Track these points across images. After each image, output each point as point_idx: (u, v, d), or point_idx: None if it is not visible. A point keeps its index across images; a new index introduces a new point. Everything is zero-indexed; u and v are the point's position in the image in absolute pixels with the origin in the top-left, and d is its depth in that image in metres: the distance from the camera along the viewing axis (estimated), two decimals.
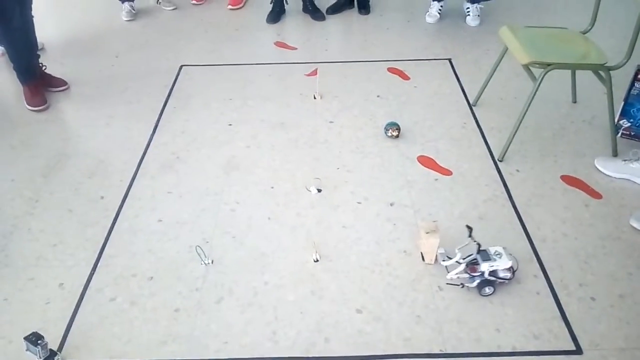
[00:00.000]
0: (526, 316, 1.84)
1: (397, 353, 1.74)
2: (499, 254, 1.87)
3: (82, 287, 1.98)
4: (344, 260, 2.05)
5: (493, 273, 1.87)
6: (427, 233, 1.95)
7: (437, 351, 1.74)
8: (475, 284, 1.89)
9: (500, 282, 1.89)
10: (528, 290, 1.92)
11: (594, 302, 1.89)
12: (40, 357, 1.68)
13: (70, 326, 1.84)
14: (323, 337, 1.79)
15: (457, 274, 1.91)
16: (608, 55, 2.34)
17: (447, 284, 1.94)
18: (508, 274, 1.88)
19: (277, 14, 3.85)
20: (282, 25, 3.83)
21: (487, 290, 1.88)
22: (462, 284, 1.92)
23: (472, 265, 1.88)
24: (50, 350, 1.72)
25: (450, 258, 1.94)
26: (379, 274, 2.00)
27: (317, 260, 2.05)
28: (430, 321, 1.83)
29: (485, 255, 1.87)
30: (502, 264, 1.86)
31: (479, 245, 1.87)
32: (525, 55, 2.32)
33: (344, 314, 1.86)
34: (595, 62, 2.32)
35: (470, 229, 1.91)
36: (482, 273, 1.86)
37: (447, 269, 1.94)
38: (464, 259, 1.90)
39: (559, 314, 1.85)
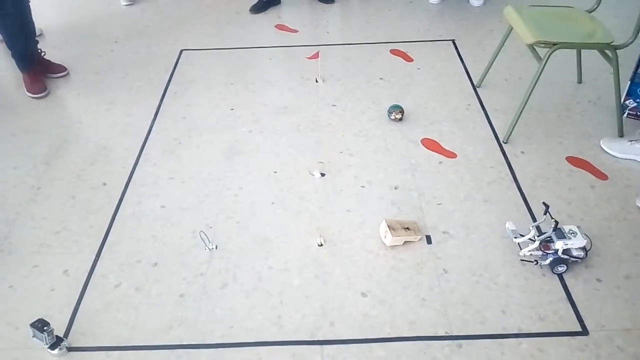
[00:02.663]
0: (532, 298, 1.83)
1: (402, 336, 1.74)
2: (574, 233, 1.87)
3: (87, 273, 1.98)
4: (349, 244, 2.05)
5: (567, 251, 1.87)
6: (406, 229, 2.00)
7: (442, 333, 1.74)
8: (548, 261, 1.89)
9: (573, 261, 1.89)
10: (533, 272, 1.92)
11: (599, 283, 1.88)
12: (46, 344, 1.69)
13: (76, 312, 1.85)
14: (328, 321, 1.79)
15: (530, 251, 1.91)
16: (614, 34, 2.30)
17: (521, 260, 1.94)
18: (582, 253, 1.87)
19: (264, 3, 3.72)
20: (283, 8, 3.78)
21: (560, 268, 1.88)
22: (536, 260, 1.93)
23: (545, 243, 1.89)
24: (57, 336, 1.72)
25: (522, 235, 1.95)
26: (383, 257, 1.99)
27: (322, 245, 2.04)
28: (436, 304, 1.83)
29: (560, 233, 1.87)
30: (576, 243, 1.86)
31: (557, 222, 1.86)
32: (530, 35, 2.28)
33: (349, 297, 1.86)
34: (602, 41, 2.29)
35: (547, 206, 1.91)
36: (556, 251, 1.86)
37: (520, 246, 1.96)
38: (538, 236, 1.90)
39: (564, 295, 1.84)
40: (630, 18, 2.21)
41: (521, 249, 1.94)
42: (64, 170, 2.44)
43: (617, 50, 2.27)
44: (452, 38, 3.32)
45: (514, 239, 1.97)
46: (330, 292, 1.88)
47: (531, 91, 2.36)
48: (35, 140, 2.63)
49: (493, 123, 2.61)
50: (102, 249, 2.07)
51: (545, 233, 1.90)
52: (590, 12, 2.49)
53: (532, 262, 1.93)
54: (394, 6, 3.72)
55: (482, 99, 2.78)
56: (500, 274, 1.91)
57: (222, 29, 3.53)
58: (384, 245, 2.03)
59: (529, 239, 1.93)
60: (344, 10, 3.75)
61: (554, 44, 2.24)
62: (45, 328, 1.68)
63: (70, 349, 1.74)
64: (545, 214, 1.91)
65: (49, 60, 3.08)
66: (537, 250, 1.90)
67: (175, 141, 2.58)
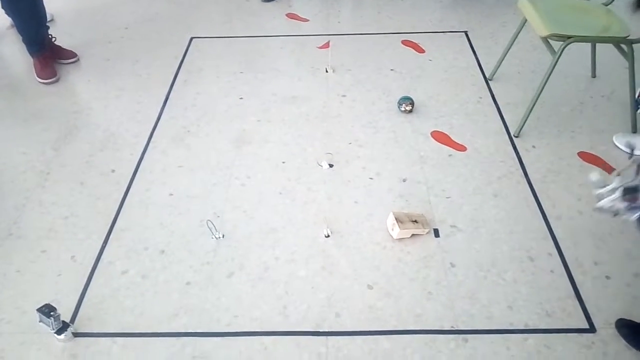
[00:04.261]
0: (539, 294, 1.82)
1: (407, 329, 1.74)
2: None
3: (94, 259, 1.99)
4: (355, 236, 2.04)
5: None
6: (414, 222, 1.99)
7: (448, 327, 1.74)
8: (636, 216, 1.43)
9: None
10: (542, 268, 1.90)
11: (608, 280, 1.86)
12: (53, 329, 1.70)
13: (83, 298, 1.86)
14: (334, 312, 1.79)
15: (612, 200, 1.47)
16: (630, 28, 2.26)
17: (596, 208, 1.51)
18: None
19: None
20: None
21: None
22: (615, 212, 1.48)
23: (633, 193, 1.45)
24: (63, 321, 1.73)
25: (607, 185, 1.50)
26: (390, 249, 1.98)
27: (328, 236, 2.04)
28: (442, 297, 1.82)
29: None
30: None
31: None
32: (544, 28, 2.25)
33: (355, 289, 1.86)
34: (617, 35, 2.25)
35: (632, 149, 1.60)
36: None
37: (603, 196, 1.51)
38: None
39: (573, 292, 1.83)
40: None
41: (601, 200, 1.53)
42: (73, 156, 2.45)
43: (633, 45, 2.23)
44: (465, 30, 3.29)
45: (595, 191, 1.51)
46: (336, 283, 1.88)
47: (544, 85, 2.33)
48: (44, 125, 2.63)
49: (504, 116, 2.59)
50: (109, 236, 2.07)
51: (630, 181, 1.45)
52: (606, 5, 2.44)
53: (611, 214, 1.52)
54: None
55: (493, 92, 2.75)
56: (508, 269, 1.90)
57: (232, 17, 3.51)
58: (391, 237, 2.02)
59: (614, 188, 1.49)
60: (355, 0, 3.72)
61: (569, 37, 2.21)
62: (51, 313, 1.69)
63: (76, 335, 1.75)
64: (630, 157, 1.52)
65: (59, 46, 3.08)
66: (621, 202, 1.45)
67: (184, 129, 2.58)
